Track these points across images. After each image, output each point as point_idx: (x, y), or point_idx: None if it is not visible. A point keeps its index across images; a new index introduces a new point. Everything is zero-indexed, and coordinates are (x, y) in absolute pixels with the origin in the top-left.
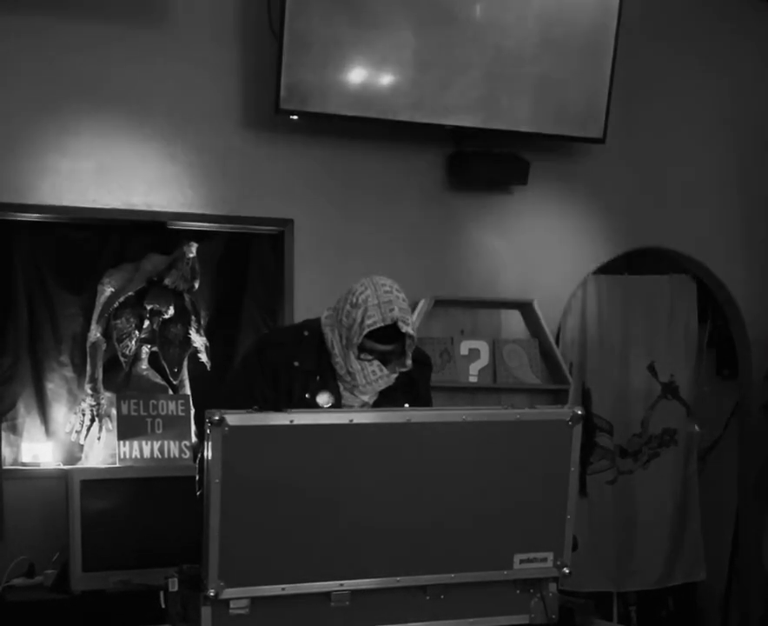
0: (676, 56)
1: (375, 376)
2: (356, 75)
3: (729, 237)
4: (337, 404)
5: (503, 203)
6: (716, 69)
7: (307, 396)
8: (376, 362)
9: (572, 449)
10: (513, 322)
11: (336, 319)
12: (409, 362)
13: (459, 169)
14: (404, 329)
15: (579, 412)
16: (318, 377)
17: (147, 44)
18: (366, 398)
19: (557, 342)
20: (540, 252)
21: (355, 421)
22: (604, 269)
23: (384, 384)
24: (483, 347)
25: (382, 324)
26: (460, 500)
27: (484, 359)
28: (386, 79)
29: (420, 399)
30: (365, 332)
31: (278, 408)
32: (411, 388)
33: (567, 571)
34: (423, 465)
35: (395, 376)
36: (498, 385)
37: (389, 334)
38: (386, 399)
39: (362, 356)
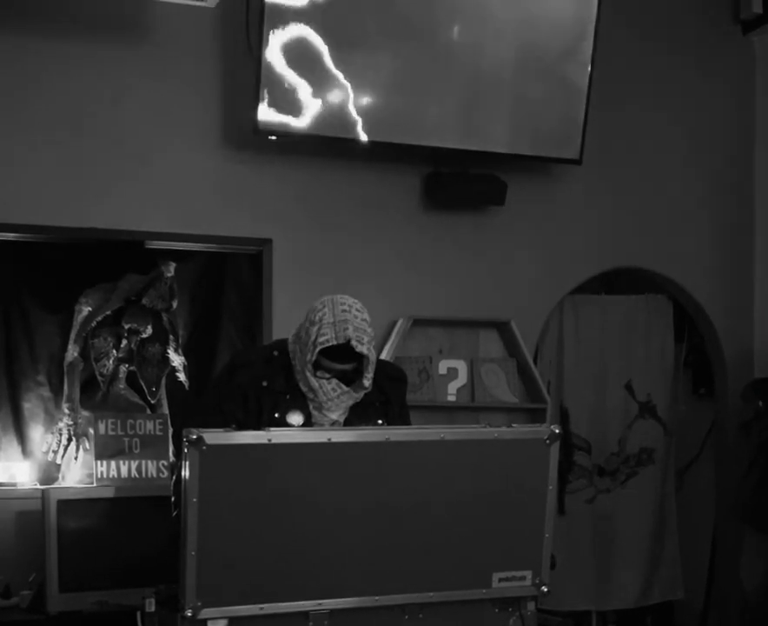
0: (652, 79)
1: (335, 393)
2: (334, 95)
3: (704, 258)
4: (307, 423)
5: (480, 224)
6: (691, 93)
7: (276, 415)
8: (334, 381)
9: (550, 468)
10: (490, 342)
11: (298, 336)
12: (367, 383)
13: (436, 189)
14: (358, 348)
15: (557, 431)
16: (287, 396)
17: (125, 63)
18: (335, 416)
19: (534, 362)
20: (518, 272)
21: (333, 440)
22: (581, 289)
23: (348, 400)
24: (461, 366)
25: (335, 342)
26: (438, 518)
27: (462, 378)
28: (363, 99)
29: (395, 416)
30: (317, 349)
31: (253, 427)
32: (385, 405)
33: (546, 590)
34: (401, 484)
35: (359, 396)
36: (476, 404)
37: (345, 353)
38: (358, 417)
39: (318, 373)
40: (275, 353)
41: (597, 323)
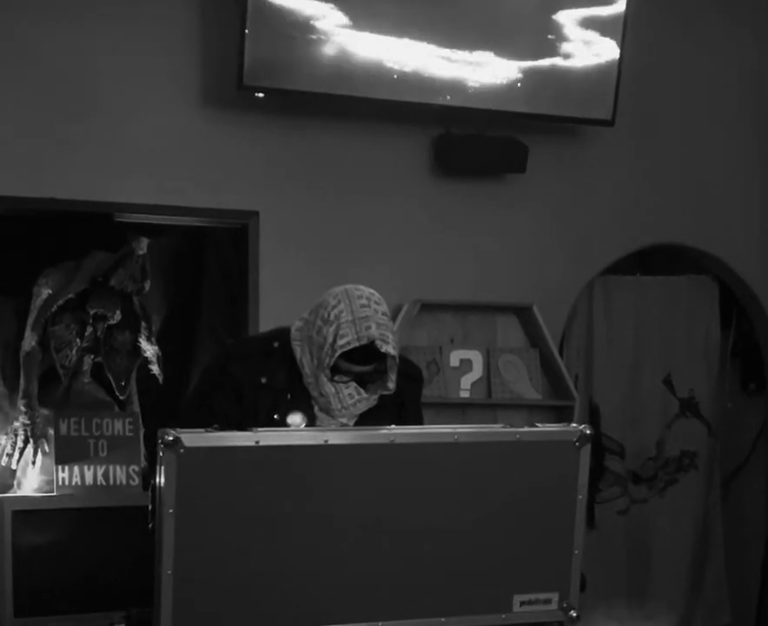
0: (695, 24)
1: (353, 399)
2: (330, 46)
3: (755, 233)
4: (311, 426)
5: (498, 194)
6: (744, 40)
7: (275, 416)
8: (353, 385)
9: (580, 474)
10: (509, 330)
11: (307, 334)
12: (392, 385)
13: (447, 154)
14: (383, 348)
15: (588, 431)
16: (289, 396)
17: (89, 8)
18: (344, 421)
19: (560, 352)
20: (541, 249)
21: (331, 441)
22: (613, 269)
23: (364, 407)
24: (476, 357)
25: (357, 344)
26: (450, 532)
27: (477, 371)
28: (364, 51)
29: (409, 418)
30: (337, 353)
31: (242, 427)
32: (398, 406)
33: (574, 615)
34: (409, 493)
35: (376, 397)
36: (493, 401)
37: (367, 353)
38: (369, 419)
39: (336, 377)
40: (276, 344)
41: (631, 308)
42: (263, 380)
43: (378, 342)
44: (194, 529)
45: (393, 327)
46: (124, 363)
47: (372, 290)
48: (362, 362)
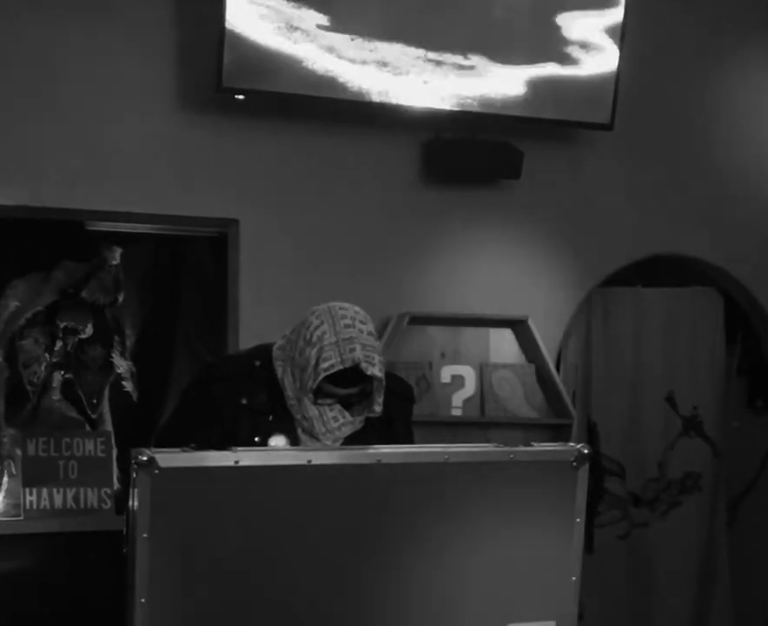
0: (702, 21)
1: (337, 422)
2: (313, 46)
3: (763, 241)
4: None
5: (491, 201)
6: (754, 36)
7: (256, 439)
8: (337, 407)
9: (577, 496)
10: (503, 344)
11: (289, 354)
12: (378, 408)
13: (437, 159)
14: (369, 371)
15: (585, 451)
16: (270, 417)
17: (61, 9)
18: (329, 444)
19: (557, 368)
20: (536, 259)
21: (314, 462)
22: (612, 281)
23: (349, 431)
24: (468, 373)
25: (341, 367)
26: (440, 558)
27: (469, 388)
28: (349, 51)
29: (398, 439)
30: (320, 377)
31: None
32: (388, 427)
33: None
34: (396, 516)
35: (362, 420)
36: (486, 419)
37: (352, 375)
38: (355, 442)
39: (320, 400)
40: (257, 363)
41: (631, 322)
42: (244, 401)
43: (363, 365)
44: (169, 555)
45: (379, 347)
46: (96, 380)
47: (357, 308)
48: (347, 384)
